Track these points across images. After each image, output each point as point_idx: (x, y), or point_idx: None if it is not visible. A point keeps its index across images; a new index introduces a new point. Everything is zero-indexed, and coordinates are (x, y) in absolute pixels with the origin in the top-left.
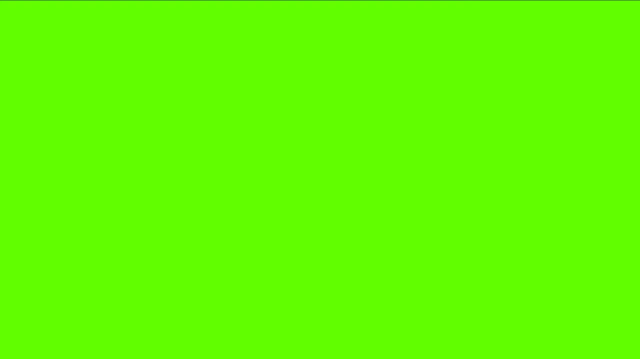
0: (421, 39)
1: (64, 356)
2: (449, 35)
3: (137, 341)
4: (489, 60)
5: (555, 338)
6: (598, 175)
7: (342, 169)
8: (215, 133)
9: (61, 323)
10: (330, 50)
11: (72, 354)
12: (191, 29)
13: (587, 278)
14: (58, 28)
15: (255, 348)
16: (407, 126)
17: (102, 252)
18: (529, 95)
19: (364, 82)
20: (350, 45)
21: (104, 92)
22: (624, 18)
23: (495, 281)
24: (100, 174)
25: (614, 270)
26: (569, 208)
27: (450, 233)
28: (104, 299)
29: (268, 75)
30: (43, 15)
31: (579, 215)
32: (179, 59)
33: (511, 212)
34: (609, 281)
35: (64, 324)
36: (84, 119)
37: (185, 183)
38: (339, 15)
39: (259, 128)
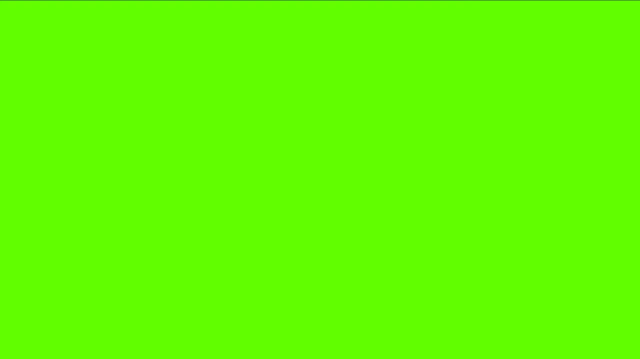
0: (421, 39)
1: (64, 356)
2: (449, 35)
3: (137, 341)
4: (489, 60)
5: (555, 338)
6: (598, 175)
7: (341, 169)
8: (215, 133)
9: (61, 323)
10: (331, 51)
11: (72, 354)
12: (191, 29)
13: (587, 278)
14: (58, 28)
15: (255, 348)
16: (407, 126)
17: (102, 252)
18: (529, 95)
19: (364, 82)
20: (350, 46)
21: (104, 92)
22: (624, 18)
23: (495, 281)
24: (100, 174)
25: (614, 270)
26: (568, 208)
27: (451, 233)
28: (104, 299)
29: (268, 75)
30: (43, 15)
31: (578, 215)
32: (179, 59)
33: (511, 213)
34: (609, 281)
35: (64, 324)
36: (84, 119)
37: (185, 183)
38: (339, 15)
39: (259, 128)
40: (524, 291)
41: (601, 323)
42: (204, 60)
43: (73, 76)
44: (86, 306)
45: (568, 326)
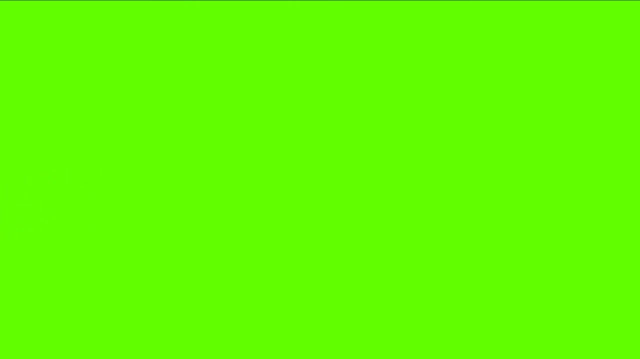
0: (421, 39)
1: (64, 356)
2: (449, 35)
3: (137, 341)
4: (489, 60)
5: (555, 338)
6: (598, 175)
7: (341, 169)
8: (215, 133)
9: (61, 323)
10: (331, 51)
11: (72, 354)
12: (191, 29)
13: (587, 278)
14: (58, 28)
15: (255, 348)
16: (407, 126)
17: (102, 252)
18: (529, 95)
19: (364, 82)
20: (350, 46)
21: (104, 92)
22: (624, 18)
23: (495, 282)
24: (101, 174)
25: (614, 270)
26: (568, 208)
27: (450, 234)
28: (104, 300)
29: (268, 75)
30: (43, 15)
31: (578, 215)
32: (179, 59)
33: (511, 213)
34: (609, 281)
35: (64, 324)
36: (84, 119)
37: (185, 183)
38: (339, 15)
39: (259, 128)
40: (524, 291)
41: (601, 323)
42: (204, 60)
43: (73, 76)
44: (86, 306)
45: (568, 326)
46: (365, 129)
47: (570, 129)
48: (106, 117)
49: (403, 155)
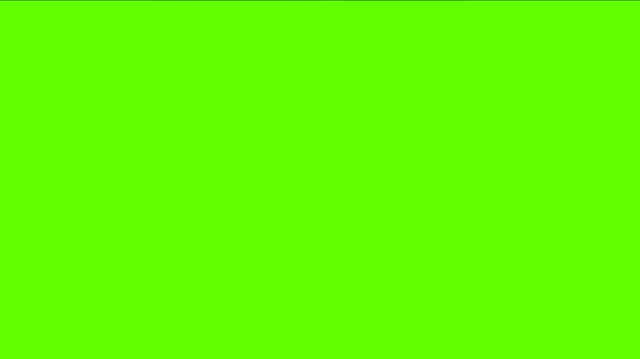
0: (421, 39)
1: (63, 356)
2: (449, 35)
3: (137, 341)
4: (489, 60)
5: (555, 338)
6: (598, 175)
7: (342, 169)
8: (215, 133)
9: (61, 323)
10: (330, 51)
11: (72, 354)
12: (191, 29)
13: (587, 278)
14: (58, 28)
15: (255, 348)
16: (407, 126)
17: (102, 252)
18: (529, 95)
19: (364, 82)
20: (350, 46)
21: (104, 92)
22: (624, 18)
23: (495, 281)
24: (101, 174)
25: (614, 270)
26: (568, 208)
27: (450, 233)
28: (104, 299)
29: (268, 75)
30: (43, 15)
31: (578, 215)
32: (179, 59)
33: (511, 212)
34: (609, 281)
35: (64, 324)
36: (84, 119)
37: (185, 183)
38: (339, 15)
39: (259, 128)
40: (524, 291)
41: (601, 323)
42: (204, 60)
43: (73, 76)
44: (86, 306)
45: (568, 326)
46: (365, 129)
47: (570, 129)
48: (106, 117)
49: (403, 155)
